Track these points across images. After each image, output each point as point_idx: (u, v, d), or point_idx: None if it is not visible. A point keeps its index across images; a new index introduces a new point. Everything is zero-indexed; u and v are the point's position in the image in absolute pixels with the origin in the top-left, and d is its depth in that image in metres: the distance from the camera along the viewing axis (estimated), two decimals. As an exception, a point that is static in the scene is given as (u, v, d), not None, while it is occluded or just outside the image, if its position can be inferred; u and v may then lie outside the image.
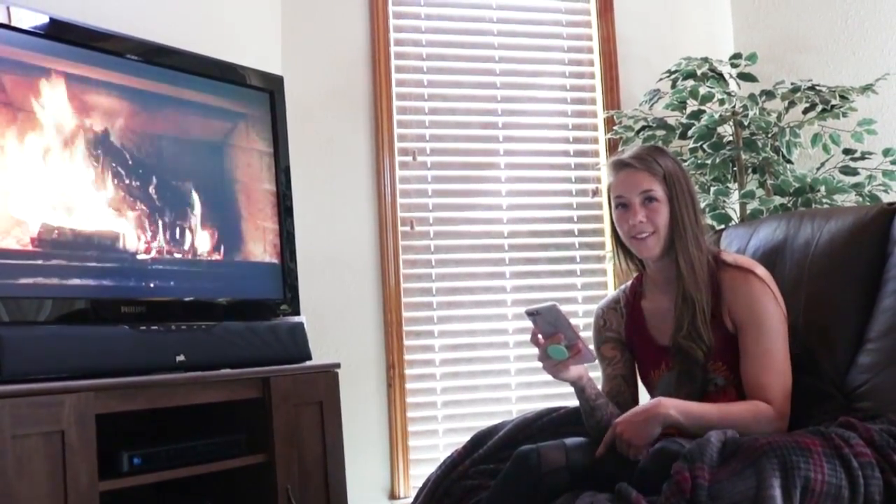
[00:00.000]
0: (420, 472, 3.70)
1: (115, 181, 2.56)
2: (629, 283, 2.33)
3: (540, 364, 2.07)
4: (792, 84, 3.61)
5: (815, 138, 3.68)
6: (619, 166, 2.13)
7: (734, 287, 2.07)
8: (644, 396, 2.20)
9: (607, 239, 3.29)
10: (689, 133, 3.68)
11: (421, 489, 2.26)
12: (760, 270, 2.08)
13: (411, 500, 2.29)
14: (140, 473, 2.34)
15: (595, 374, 2.22)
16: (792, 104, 3.62)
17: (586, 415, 2.12)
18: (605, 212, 2.21)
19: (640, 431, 1.96)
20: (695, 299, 2.05)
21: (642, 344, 2.22)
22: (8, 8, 2.34)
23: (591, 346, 2.19)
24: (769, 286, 2.06)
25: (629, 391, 2.22)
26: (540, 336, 2.02)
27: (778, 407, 1.97)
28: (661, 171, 2.09)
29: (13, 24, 2.35)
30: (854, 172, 3.57)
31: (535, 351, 2.05)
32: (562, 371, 2.03)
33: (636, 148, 2.19)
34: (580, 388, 2.09)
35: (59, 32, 2.47)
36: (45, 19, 2.44)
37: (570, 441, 2.07)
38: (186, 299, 2.72)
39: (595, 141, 4.11)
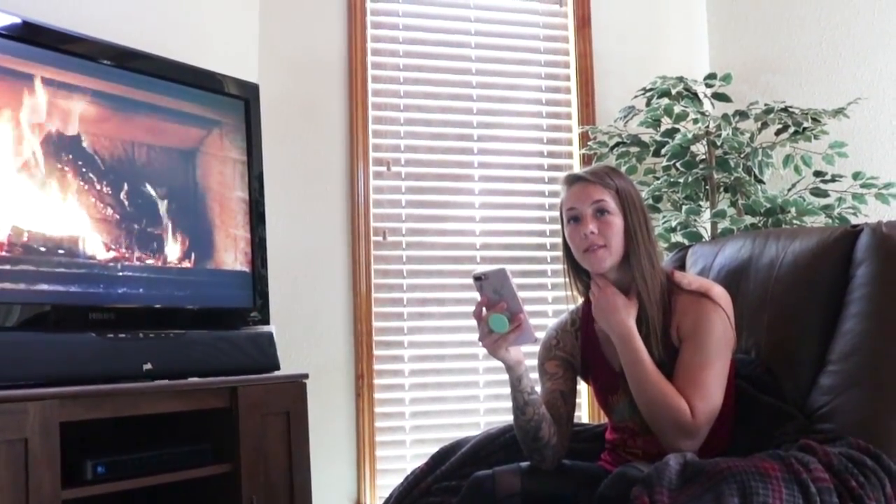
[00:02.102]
0: (387, 482, 3.70)
1: (86, 186, 2.55)
2: (579, 305, 2.28)
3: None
4: (765, 105, 3.65)
5: (787, 159, 3.72)
6: (571, 180, 2.11)
7: (685, 309, 2.04)
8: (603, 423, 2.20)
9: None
10: (663, 151, 3.71)
11: (383, 505, 2.26)
12: (717, 291, 2.06)
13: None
14: (104, 482, 2.32)
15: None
16: (765, 125, 3.66)
17: (518, 410, 2.03)
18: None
19: (603, 312, 2.06)
20: (648, 315, 2.04)
21: (598, 368, 2.19)
22: (-19, 10, 2.33)
23: (536, 363, 2.18)
24: (722, 307, 2.03)
25: (565, 408, 2.13)
26: (483, 310, 1.97)
27: (695, 428, 1.93)
28: (614, 186, 2.08)
29: (-14, 26, 2.34)
30: (824, 194, 3.61)
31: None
32: (500, 348, 1.96)
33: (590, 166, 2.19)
34: (517, 377, 2.00)
35: (33, 35, 2.46)
36: (17, 21, 2.43)
37: (526, 464, 2.07)
38: (155, 307, 2.71)
39: (569, 156, 4.13)
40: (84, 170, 2.55)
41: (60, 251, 2.46)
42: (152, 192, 2.74)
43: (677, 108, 3.75)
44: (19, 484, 2.05)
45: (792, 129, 3.62)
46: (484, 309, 1.97)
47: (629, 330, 2.01)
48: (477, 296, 1.98)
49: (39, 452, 2.09)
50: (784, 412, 2.10)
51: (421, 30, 4.02)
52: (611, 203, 2.06)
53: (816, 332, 2.17)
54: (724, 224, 3.57)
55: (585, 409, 3.98)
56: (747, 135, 3.68)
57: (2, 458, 2.02)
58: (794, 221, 3.49)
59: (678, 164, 3.65)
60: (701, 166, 3.64)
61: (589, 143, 3.93)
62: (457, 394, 3.88)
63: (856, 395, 2.03)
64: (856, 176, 3.58)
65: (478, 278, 1.95)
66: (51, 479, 2.12)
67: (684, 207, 3.64)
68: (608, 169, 2.14)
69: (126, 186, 2.66)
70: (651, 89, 3.83)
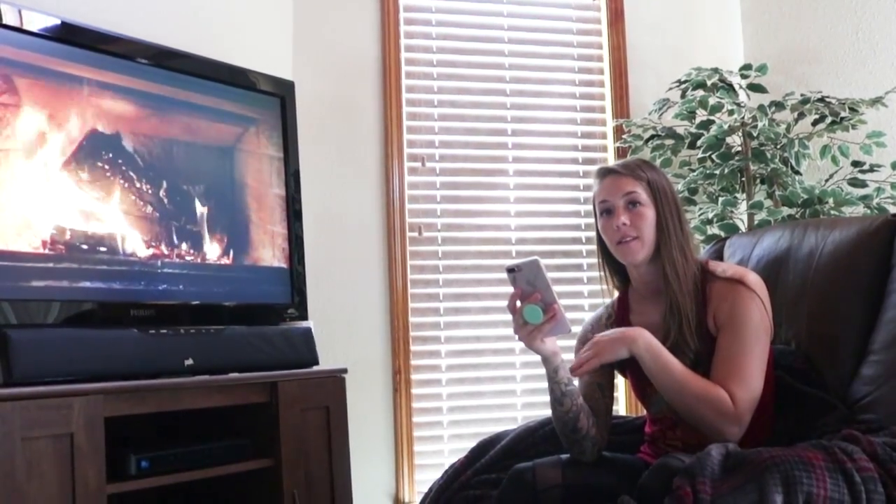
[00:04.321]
0: (425, 477, 3.71)
1: (126, 184, 2.58)
2: (615, 298, 2.29)
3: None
4: (801, 95, 3.62)
5: (824, 150, 3.68)
6: (603, 173, 2.13)
7: (721, 296, 2.04)
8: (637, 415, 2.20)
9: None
10: (699, 143, 3.69)
11: (423, 498, 2.26)
12: (751, 278, 2.05)
13: (415, 505, 2.30)
14: (147, 476, 2.35)
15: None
16: (801, 116, 3.63)
17: (556, 402, 2.05)
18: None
19: (607, 346, 1.98)
20: (680, 307, 2.03)
21: (634, 361, 2.12)
22: (19, 11, 2.36)
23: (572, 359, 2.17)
24: (757, 293, 2.02)
25: (603, 400, 2.14)
26: (518, 302, 1.98)
27: (738, 415, 1.91)
28: (646, 178, 2.09)
29: (24, 27, 2.37)
30: (862, 184, 3.57)
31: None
32: (535, 339, 1.97)
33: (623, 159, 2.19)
34: (553, 368, 2.02)
35: (71, 35, 2.49)
36: (56, 22, 2.46)
37: (566, 457, 2.07)
38: (195, 303, 2.74)
39: (604, 149, 4.12)
40: (124, 168, 2.58)
41: (102, 249, 2.49)
42: (191, 190, 2.77)
43: (712, 100, 3.73)
44: (65, 478, 2.08)
45: (829, 120, 3.58)
46: (518, 301, 1.98)
47: (644, 339, 1.98)
48: (511, 289, 1.99)
49: (85, 447, 2.12)
50: (826, 402, 2.09)
51: (454, 25, 4.03)
52: (642, 195, 2.08)
53: (858, 321, 2.16)
54: (760, 216, 3.54)
55: (623, 401, 3.97)
56: (783, 125, 3.65)
57: (48, 453, 2.06)
58: (832, 212, 3.46)
59: (714, 156, 3.62)
60: (737, 158, 3.62)
61: (623, 136, 3.92)
62: (494, 388, 3.89)
63: (898, 384, 2.02)
64: (895, 165, 3.54)
65: (511, 270, 1.96)
66: (96, 474, 2.15)
67: (720, 199, 3.62)
68: (640, 161, 2.15)
69: (165, 184, 2.69)
70: (685, 81, 3.80)
